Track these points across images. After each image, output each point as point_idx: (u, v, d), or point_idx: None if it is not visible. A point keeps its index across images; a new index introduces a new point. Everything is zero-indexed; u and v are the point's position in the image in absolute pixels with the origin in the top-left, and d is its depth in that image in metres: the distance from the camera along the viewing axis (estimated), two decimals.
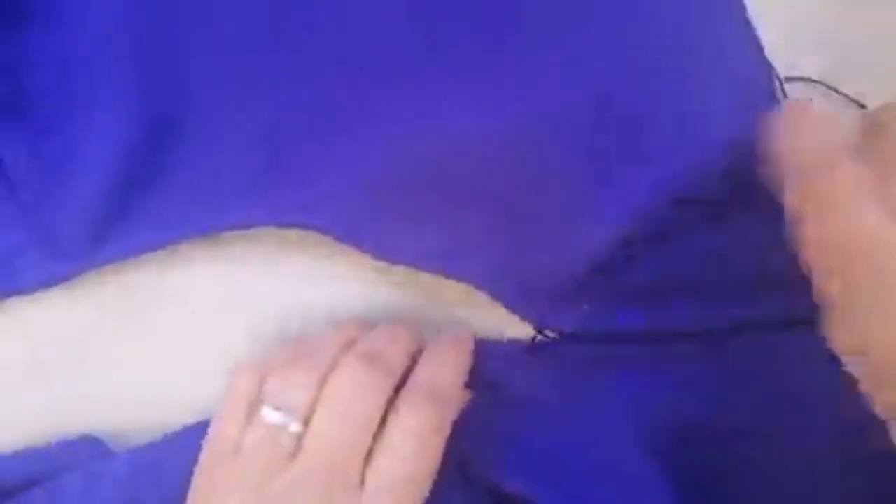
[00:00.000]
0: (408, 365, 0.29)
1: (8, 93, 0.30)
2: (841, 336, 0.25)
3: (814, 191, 0.25)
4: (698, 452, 0.30)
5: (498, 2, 0.30)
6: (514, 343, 0.32)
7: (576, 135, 0.30)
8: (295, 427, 0.27)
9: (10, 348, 0.31)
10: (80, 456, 0.30)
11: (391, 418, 0.27)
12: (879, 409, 0.25)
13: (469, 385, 0.30)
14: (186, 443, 0.29)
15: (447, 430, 0.28)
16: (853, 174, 0.24)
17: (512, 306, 0.31)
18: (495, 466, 0.30)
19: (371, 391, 0.27)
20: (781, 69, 0.31)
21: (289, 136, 0.30)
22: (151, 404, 0.31)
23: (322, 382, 0.28)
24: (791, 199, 0.26)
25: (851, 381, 0.25)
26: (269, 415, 0.27)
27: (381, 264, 0.31)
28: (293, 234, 0.32)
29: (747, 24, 0.30)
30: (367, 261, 0.31)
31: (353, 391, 0.27)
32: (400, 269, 0.32)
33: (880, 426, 0.24)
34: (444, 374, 0.29)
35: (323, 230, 0.31)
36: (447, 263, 0.31)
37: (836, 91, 0.32)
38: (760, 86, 0.30)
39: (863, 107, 0.33)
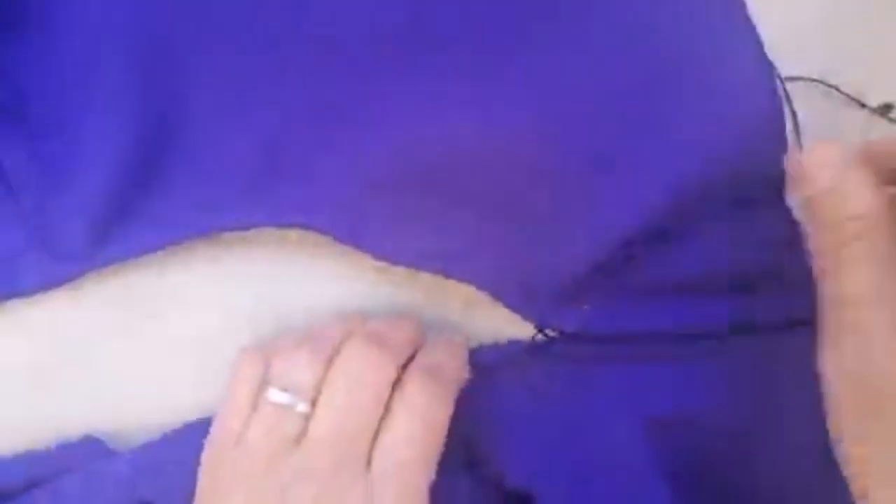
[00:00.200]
0: (411, 352, 0.29)
1: (7, 96, 0.30)
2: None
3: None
4: (697, 451, 0.30)
5: (499, 2, 0.30)
6: (514, 343, 0.32)
7: (578, 135, 0.30)
8: (302, 407, 0.27)
9: (11, 349, 0.31)
10: (81, 457, 0.30)
11: (396, 397, 0.27)
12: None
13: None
14: (188, 440, 0.29)
15: (449, 408, 0.28)
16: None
17: (513, 306, 0.31)
18: (498, 456, 0.30)
19: (377, 370, 0.27)
20: (782, 68, 0.31)
21: (287, 137, 0.30)
22: (152, 404, 0.31)
23: (328, 364, 0.28)
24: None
25: None
26: (276, 395, 0.27)
27: (382, 264, 0.31)
28: (293, 234, 0.32)
29: (748, 23, 0.30)
30: (367, 261, 0.31)
31: (360, 370, 0.27)
32: (400, 269, 0.32)
33: None
34: (446, 357, 0.30)
35: (323, 231, 0.31)
36: (448, 264, 0.31)
37: (837, 90, 0.32)
38: (763, 85, 0.30)
39: (863, 106, 0.33)
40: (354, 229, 0.31)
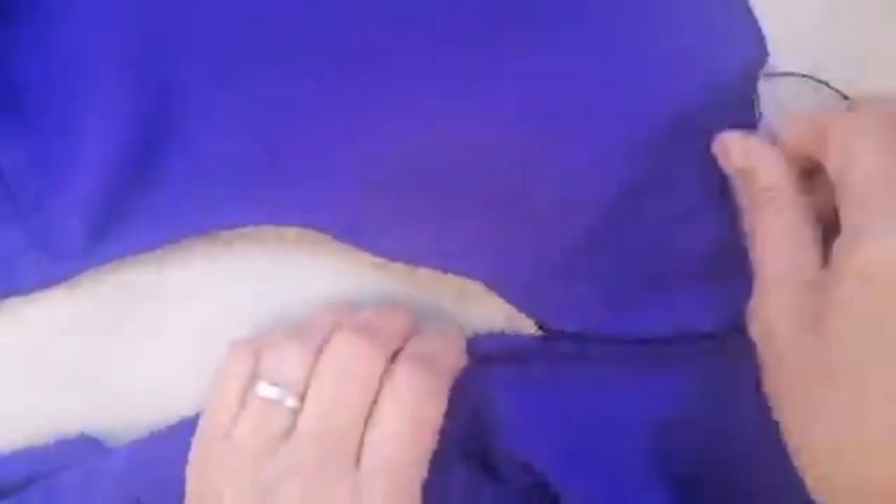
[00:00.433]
0: (401, 343, 0.29)
1: (3, 96, 0.30)
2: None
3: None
4: (698, 453, 0.30)
5: (492, 2, 0.30)
6: (515, 337, 0.32)
7: (574, 131, 0.30)
8: (291, 402, 0.27)
9: (9, 348, 0.31)
10: (78, 454, 0.30)
11: (385, 390, 0.27)
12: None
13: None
14: (182, 435, 0.29)
15: (442, 402, 0.28)
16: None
17: (515, 302, 0.31)
18: (498, 441, 0.30)
19: (365, 361, 0.27)
20: (771, 65, 0.31)
21: (285, 136, 0.31)
22: (151, 403, 0.31)
23: (317, 356, 0.27)
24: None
25: None
26: (265, 390, 0.27)
27: (381, 261, 0.31)
28: (292, 231, 0.32)
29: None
30: (366, 258, 0.31)
31: (348, 363, 0.27)
32: (399, 266, 0.32)
33: None
34: (439, 345, 0.29)
35: (322, 229, 0.31)
36: (448, 260, 0.31)
37: (827, 85, 0.32)
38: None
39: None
40: (353, 228, 0.31)
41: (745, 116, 0.31)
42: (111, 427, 0.31)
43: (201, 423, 0.28)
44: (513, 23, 0.30)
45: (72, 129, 0.30)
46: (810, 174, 0.29)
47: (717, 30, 0.30)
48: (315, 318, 0.30)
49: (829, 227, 0.27)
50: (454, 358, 0.30)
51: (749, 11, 0.31)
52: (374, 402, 0.27)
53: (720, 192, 0.30)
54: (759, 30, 0.31)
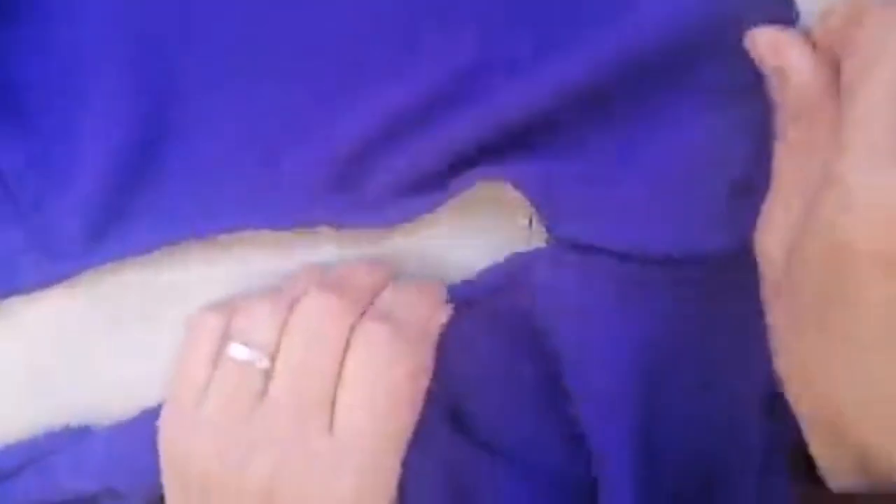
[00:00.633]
0: (372, 297, 0.28)
1: (2, 95, 0.30)
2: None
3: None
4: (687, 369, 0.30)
5: None
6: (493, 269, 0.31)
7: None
8: (263, 363, 0.26)
9: (8, 348, 0.32)
10: (67, 441, 0.31)
11: (351, 352, 0.26)
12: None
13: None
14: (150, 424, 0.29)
15: (417, 362, 0.27)
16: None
17: (535, 201, 0.30)
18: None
19: (335, 320, 0.27)
20: None
21: (282, 137, 0.30)
22: (147, 403, 0.31)
23: (288, 316, 0.27)
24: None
25: None
26: (237, 351, 0.27)
27: (380, 256, 0.31)
28: (290, 233, 0.31)
29: None
30: (366, 255, 0.31)
31: (317, 322, 0.26)
32: (399, 262, 0.31)
33: None
34: (412, 298, 0.28)
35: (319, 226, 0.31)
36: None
37: None
38: None
39: None
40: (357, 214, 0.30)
41: (782, 12, 0.28)
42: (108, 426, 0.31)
43: (172, 387, 0.28)
44: None
45: (72, 129, 0.30)
46: None
47: None
48: (288, 280, 0.29)
49: None
50: (431, 312, 0.29)
51: None
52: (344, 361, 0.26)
53: (751, 96, 0.28)
54: None
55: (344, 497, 0.26)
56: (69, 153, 0.30)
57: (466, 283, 0.31)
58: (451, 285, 0.31)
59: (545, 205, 0.29)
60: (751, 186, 0.27)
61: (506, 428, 0.31)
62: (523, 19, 0.29)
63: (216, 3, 0.30)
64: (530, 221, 0.31)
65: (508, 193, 0.30)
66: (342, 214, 0.30)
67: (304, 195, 0.30)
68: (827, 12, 0.25)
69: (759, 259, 0.26)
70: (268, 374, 0.26)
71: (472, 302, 0.30)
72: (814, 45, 0.25)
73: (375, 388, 0.26)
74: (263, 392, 0.26)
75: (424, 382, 0.28)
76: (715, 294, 0.29)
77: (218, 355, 0.27)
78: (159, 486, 0.28)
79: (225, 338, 0.27)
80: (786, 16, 0.27)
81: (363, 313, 0.27)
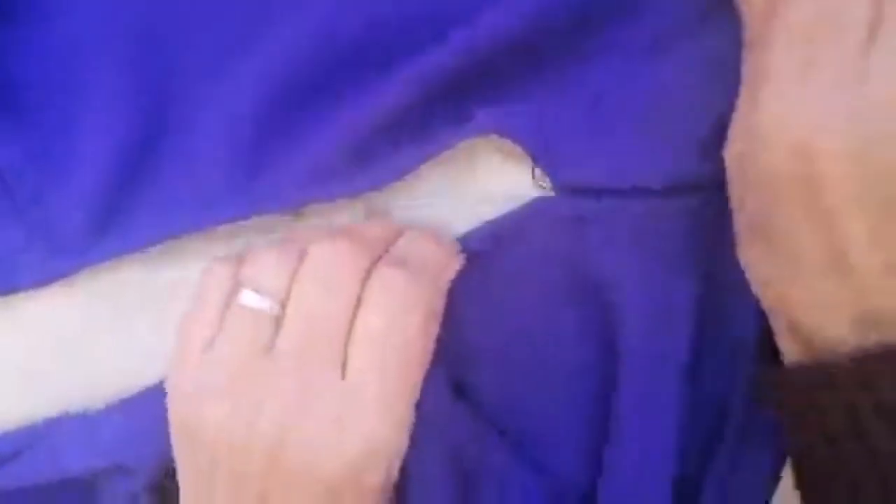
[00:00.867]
0: (385, 247, 0.28)
1: (3, 94, 0.31)
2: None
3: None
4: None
5: None
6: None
7: None
8: (274, 310, 0.26)
9: (7, 345, 0.31)
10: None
11: (365, 297, 0.26)
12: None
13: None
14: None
15: (430, 308, 0.27)
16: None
17: (532, 152, 0.30)
18: None
19: (347, 264, 0.26)
20: None
21: (276, 127, 0.30)
22: None
23: (299, 263, 0.27)
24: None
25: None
26: (248, 298, 0.26)
27: None
28: (286, 227, 0.31)
29: None
30: None
31: (329, 266, 0.26)
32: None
33: None
34: (426, 246, 0.28)
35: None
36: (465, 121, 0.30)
37: None
38: None
39: None
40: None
41: None
42: None
43: (180, 339, 0.27)
44: None
45: (70, 125, 0.30)
46: None
47: None
48: (296, 232, 0.29)
49: None
50: (444, 260, 0.28)
51: None
52: (359, 303, 0.26)
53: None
54: None
55: (355, 446, 0.25)
56: (68, 149, 0.30)
57: (475, 237, 0.31)
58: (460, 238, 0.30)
59: (540, 151, 0.29)
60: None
61: (516, 406, 0.31)
62: None
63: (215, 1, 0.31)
64: (533, 174, 0.30)
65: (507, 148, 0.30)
66: (340, 190, 0.30)
67: (303, 180, 0.30)
68: None
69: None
70: (279, 322, 0.26)
71: (482, 258, 0.30)
72: None
73: (391, 333, 0.26)
74: (273, 340, 0.26)
75: (436, 330, 0.27)
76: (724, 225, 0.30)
77: (227, 304, 0.27)
78: (170, 460, 0.27)
79: (235, 286, 0.27)
80: None
81: (377, 261, 0.27)
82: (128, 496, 0.30)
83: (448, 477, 0.30)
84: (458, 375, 0.31)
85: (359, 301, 0.26)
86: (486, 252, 0.30)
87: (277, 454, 0.25)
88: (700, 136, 0.29)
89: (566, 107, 0.30)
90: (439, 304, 0.28)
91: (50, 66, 0.31)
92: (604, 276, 0.30)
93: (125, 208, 0.30)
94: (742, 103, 0.25)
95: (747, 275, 0.26)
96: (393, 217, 0.31)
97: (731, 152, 0.25)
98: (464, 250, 0.30)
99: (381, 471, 0.26)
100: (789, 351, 0.25)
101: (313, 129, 0.30)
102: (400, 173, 0.30)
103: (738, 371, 0.30)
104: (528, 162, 0.30)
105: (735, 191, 0.25)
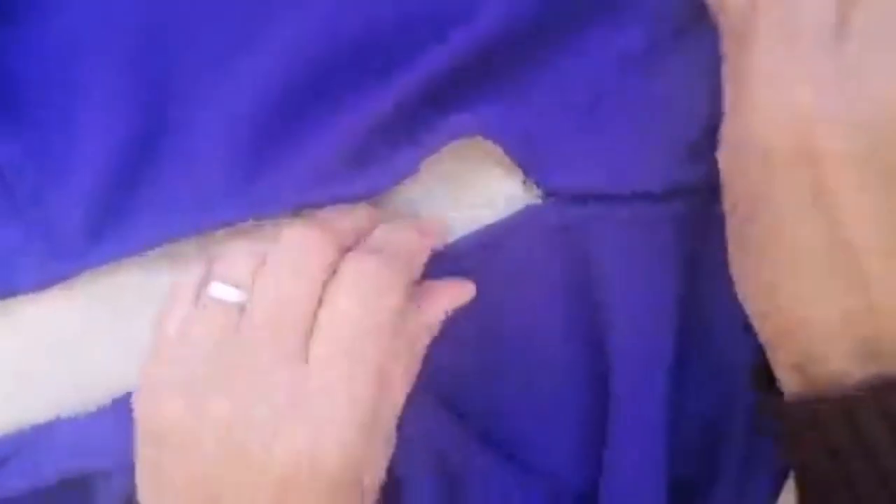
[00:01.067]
0: (356, 236, 0.28)
1: (2, 91, 0.31)
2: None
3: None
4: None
5: None
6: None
7: None
8: (239, 296, 0.26)
9: (4, 348, 0.32)
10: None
11: (333, 281, 0.26)
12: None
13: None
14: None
15: (402, 287, 0.26)
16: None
17: (515, 155, 0.30)
18: None
19: (314, 251, 0.26)
20: None
21: (267, 118, 0.31)
22: None
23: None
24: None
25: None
26: (217, 289, 0.26)
27: None
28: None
29: None
30: None
31: (295, 252, 0.26)
32: None
33: None
34: (400, 236, 0.28)
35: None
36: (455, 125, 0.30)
37: None
38: None
39: None
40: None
41: None
42: None
43: (153, 335, 0.27)
44: None
45: (70, 123, 0.31)
46: None
47: None
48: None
49: None
50: (417, 246, 0.28)
51: None
52: (324, 289, 0.25)
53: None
54: None
55: (308, 433, 0.24)
56: (67, 147, 0.31)
57: (465, 245, 0.31)
58: (443, 249, 0.31)
59: (525, 155, 0.30)
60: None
61: (509, 410, 0.31)
62: None
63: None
64: (523, 180, 0.31)
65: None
66: (338, 194, 0.30)
67: (302, 183, 0.30)
68: None
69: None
70: (243, 307, 0.26)
71: (472, 266, 0.30)
72: None
73: (361, 317, 0.25)
74: (239, 325, 0.25)
75: (414, 323, 0.27)
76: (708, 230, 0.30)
77: (198, 298, 0.27)
78: None
79: (205, 281, 0.27)
80: None
81: (348, 250, 0.27)
82: (123, 498, 0.30)
83: (434, 483, 0.30)
84: (448, 380, 0.31)
85: (327, 287, 0.26)
86: (476, 260, 0.30)
87: (226, 442, 0.24)
88: (689, 142, 0.29)
89: (554, 111, 0.30)
90: (403, 285, 0.27)
91: (50, 64, 0.31)
92: (592, 282, 0.30)
93: (124, 208, 0.31)
94: (730, 103, 0.25)
95: (745, 307, 0.25)
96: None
97: (724, 151, 0.25)
98: (453, 258, 0.30)
99: (337, 458, 0.24)
100: (789, 383, 0.25)
101: (313, 131, 0.30)
102: (399, 176, 0.30)
103: (724, 387, 0.30)
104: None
105: (729, 194, 0.25)
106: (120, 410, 0.30)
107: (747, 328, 0.26)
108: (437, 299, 0.29)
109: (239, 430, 0.24)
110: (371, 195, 0.31)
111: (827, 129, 0.22)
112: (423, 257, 0.28)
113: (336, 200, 0.30)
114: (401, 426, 0.27)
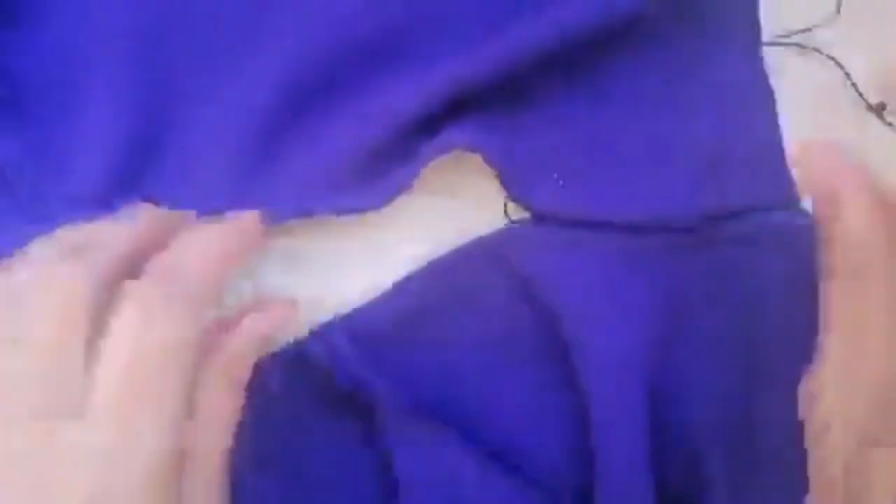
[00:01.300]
0: (131, 258, 0.25)
1: (3, 90, 0.31)
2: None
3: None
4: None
5: None
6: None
7: None
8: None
9: None
10: None
11: (106, 321, 0.23)
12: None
13: None
14: None
15: (193, 320, 0.24)
16: None
17: (495, 164, 0.31)
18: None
19: (67, 290, 0.23)
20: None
21: (270, 120, 0.31)
22: None
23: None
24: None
25: None
26: None
27: (382, 249, 0.32)
28: (286, 237, 0.32)
29: None
30: (357, 246, 0.32)
31: (50, 295, 0.23)
32: (402, 256, 0.32)
33: None
34: (188, 259, 0.25)
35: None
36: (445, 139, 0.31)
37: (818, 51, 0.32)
38: None
39: (840, 65, 0.33)
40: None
41: None
42: None
43: None
44: None
45: (71, 122, 0.31)
46: None
47: None
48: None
49: None
50: (219, 266, 0.25)
51: None
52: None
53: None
54: None
55: (76, 494, 0.22)
56: (68, 146, 0.31)
57: (444, 260, 0.31)
58: (430, 263, 0.31)
59: (512, 174, 0.31)
60: (723, 158, 0.30)
61: (495, 416, 0.31)
62: None
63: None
64: (505, 207, 0.32)
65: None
66: (337, 203, 0.31)
67: (300, 186, 0.31)
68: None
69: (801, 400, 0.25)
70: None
71: (455, 275, 0.31)
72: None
73: (130, 356, 0.23)
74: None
75: (197, 351, 0.24)
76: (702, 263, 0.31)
77: None
78: None
79: None
80: None
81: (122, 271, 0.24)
82: None
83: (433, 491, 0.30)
84: (434, 391, 0.31)
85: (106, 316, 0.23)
86: (452, 279, 0.31)
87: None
88: (684, 177, 0.30)
89: (547, 134, 0.31)
90: (192, 315, 0.24)
91: (52, 63, 0.31)
92: (564, 309, 0.30)
93: (124, 207, 0.30)
94: (843, 344, 0.24)
95: None
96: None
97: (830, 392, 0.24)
98: (431, 275, 0.31)
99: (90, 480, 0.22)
100: None
101: (315, 135, 0.31)
102: (397, 189, 0.31)
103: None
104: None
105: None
106: None
107: None
108: (254, 324, 0.28)
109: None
110: (373, 206, 0.31)
111: None
112: (221, 274, 0.26)
113: (337, 210, 0.31)
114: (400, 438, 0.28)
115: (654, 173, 0.31)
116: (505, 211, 0.32)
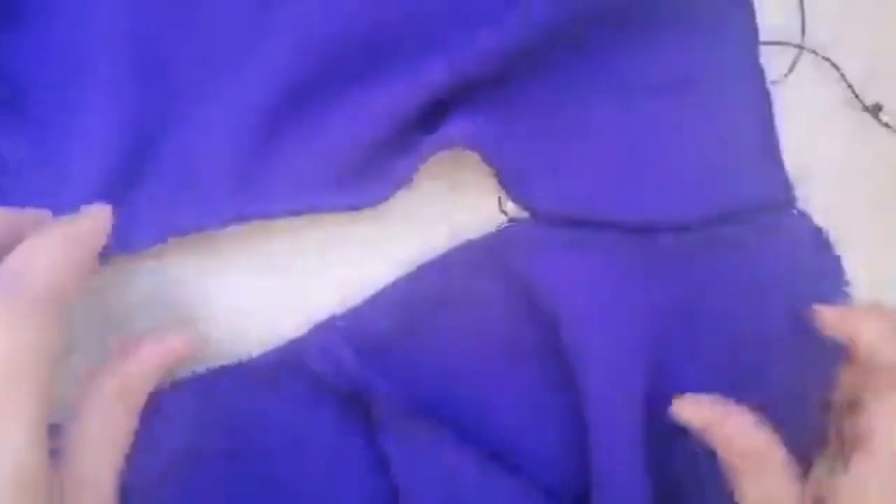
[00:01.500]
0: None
1: (4, 89, 0.31)
2: None
3: None
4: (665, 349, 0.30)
5: None
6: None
7: None
8: None
9: None
10: None
11: None
12: None
13: None
14: None
15: (45, 326, 0.22)
16: None
17: (491, 162, 0.31)
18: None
19: None
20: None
21: (269, 118, 0.31)
22: None
23: None
24: None
25: None
26: None
27: (382, 248, 0.32)
28: (283, 234, 0.32)
29: None
30: (365, 247, 0.32)
31: None
32: (399, 254, 0.32)
33: None
34: (34, 264, 0.23)
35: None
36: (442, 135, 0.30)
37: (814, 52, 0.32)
38: None
39: (835, 67, 0.33)
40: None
41: None
42: None
43: None
44: None
45: (71, 121, 0.31)
46: None
47: None
48: None
49: None
50: (72, 268, 0.24)
51: None
52: None
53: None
54: None
55: None
56: (69, 145, 0.31)
57: (442, 259, 0.31)
58: (428, 262, 0.31)
59: (509, 172, 0.31)
60: (720, 159, 0.31)
61: (493, 419, 0.31)
62: None
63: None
64: (500, 203, 0.32)
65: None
66: (335, 200, 0.31)
67: (298, 184, 0.31)
68: None
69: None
70: None
71: (454, 274, 0.31)
72: None
73: None
74: None
75: (53, 358, 0.23)
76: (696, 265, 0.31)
77: None
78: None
79: None
80: None
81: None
82: None
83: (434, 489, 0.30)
84: (433, 392, 0.31)
85: None
86: (451, 279, 0.31)
87: None
88: (681, 177, 0.31)
89: (543, 130, 0.31)
90: (58, 319, 0.23)
91: (51, 63, 0.31)
92: (562, 310, 0.30)
93: (125, 206, 0.30)
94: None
95: None
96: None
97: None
98: (430, 275, 0.31)
99: None
100: None
101: (318, 131, 0.31)
102: (396, 185, 0.31)
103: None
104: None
105: None
106: None
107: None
108: (150, 353, 0.27)
109: None
110: (372, 204, 0.31)
111: None
112: (68, 279, 0.24)
113: (337, 208, 0.31)
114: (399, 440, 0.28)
115: (653, 174, 0.31)
116: (500, 208, 0.32)
